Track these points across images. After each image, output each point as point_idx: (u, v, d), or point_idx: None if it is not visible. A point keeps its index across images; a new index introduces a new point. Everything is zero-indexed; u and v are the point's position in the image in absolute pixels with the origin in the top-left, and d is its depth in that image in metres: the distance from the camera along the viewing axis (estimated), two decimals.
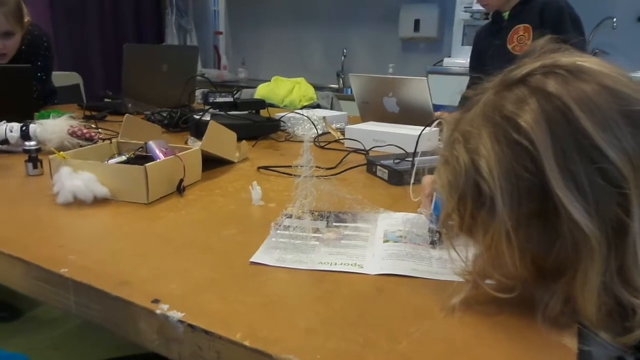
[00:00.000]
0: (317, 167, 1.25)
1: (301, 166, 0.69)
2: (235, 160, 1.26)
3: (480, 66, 2.00)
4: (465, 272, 0.58)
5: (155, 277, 0.63)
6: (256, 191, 0.95)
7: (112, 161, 0.99)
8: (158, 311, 0.54)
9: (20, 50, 1.89)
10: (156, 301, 0.56)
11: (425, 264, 0.67)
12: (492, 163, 0.49)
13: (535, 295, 0.54)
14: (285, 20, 4.26)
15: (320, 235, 0.78)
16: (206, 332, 0.51)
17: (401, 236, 0.76)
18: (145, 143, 1.03)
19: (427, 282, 0.63)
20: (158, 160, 0.97)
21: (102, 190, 0.91)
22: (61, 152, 0.95)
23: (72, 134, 1.29)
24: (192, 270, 0.65)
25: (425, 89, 1.54)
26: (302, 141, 1.62)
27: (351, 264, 0.67)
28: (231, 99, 1.59)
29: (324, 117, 1.63)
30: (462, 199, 0.52)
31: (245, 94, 2.73)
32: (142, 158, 1.04)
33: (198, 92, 1.92)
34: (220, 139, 1.18)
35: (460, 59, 3.24)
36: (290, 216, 0.87)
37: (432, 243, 0.72)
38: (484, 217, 0.51)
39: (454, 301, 0.56)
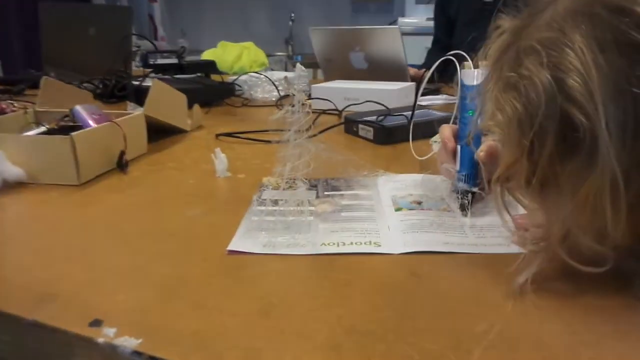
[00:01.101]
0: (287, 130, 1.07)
1: (291, 123, 0.51)
2: (188, 129, 1.05)
3: (445, 19, 1.86)
4: (533, 240, 0.42)
5: (94, 284, 0.44)
6: (220, 160, 0.75)
7: (27, 134, 0.77)
8: (101, 339, 0.36)
9: None
10: (97, 323, 0.37)
11: (459, 234, 0.52)
12: (592, 80, 0.33)
13: (625, 267, 0.40)
14: None
15: (313, 208, 0.60)
16: None
17: (415, 202, 0.60)
18: (71, 109, 0.81)
19: (470, 257, 0.48)
20: (89, 128, 0.75)
21: (14, 172, 0.69)
22: None
23: None
24: (148, 269, 0.46)
25: (397, 40, 1.38)
26: (262, 105, 1.45)
27: (365, 242, 0.50)
28: (176, 61, 1.35)
29: (285, 77, 1.43)
30: (540, 138, 0.36)
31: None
32: (68, 129, 0.81)
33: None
34: (167, 102, 0.97)
35: (415, 18, 3.10)
36: (273, 187, 0.69)
37: (463, 208, 0.56)
38: (577, 163, 0.35)
39: (522, 279, 0.41)
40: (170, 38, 4.12)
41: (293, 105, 0.51)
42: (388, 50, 1.42)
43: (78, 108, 0.80)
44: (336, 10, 3.63)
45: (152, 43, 1.51)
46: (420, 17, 3.04)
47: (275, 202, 0.58)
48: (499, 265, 0.46)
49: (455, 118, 0.61)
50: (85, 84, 1.46)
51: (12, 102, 1.09)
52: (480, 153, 0.53)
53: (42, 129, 0.79)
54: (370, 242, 0.50)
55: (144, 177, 0.76)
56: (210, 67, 1.46)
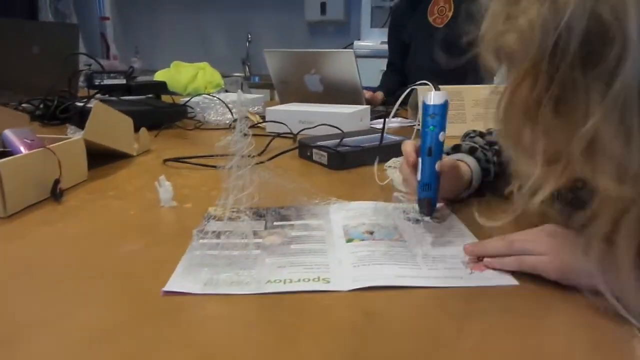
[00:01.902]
0: (243, 156, 1.04)
1: (234, 151, 0.48)
2: (134, 153, 1.00)
3: (399, 43, 1.89)
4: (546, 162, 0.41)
5: (8, 337, 0.39)
6: (165, 188, 0.71)
7: None
8: None
9: None
10: None
11: (412, 265, 0.50)
12: None
13: None
14: (182, 3, 3.89)
15: (260, 240, 0.57)
16: None
17: (368, 232, 0.59)
18: (1, 134, 0.74)
19: (422, 291, 0.46)
20: (18, 155, 0.69)
21: None
22: None
23: None
24: (74, 317, 0.42)
25: (352, 63, 1.38)
26: (215, 128, 1.41)
27: (313, 279, 0.47)
28: (123, 82, 1.30)
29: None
30: (565, 38, 0.35)
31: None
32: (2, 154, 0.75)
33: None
34: (110, 126, 0.92)
35: (370, 41, 3.15)
36: (217, 218, 0.66)
37: (423, 213, 0.58)
38: (603, 67, 0.35)
39: (538, 199, 0.41)
40: (123, 57, 4.01)
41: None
42: (343, 73, 1.42)
43: (7, 133, 0.74)
44: (293, 31, 3.65)
45: (98, 62, 1.45)
46: (375, 41, 3.10)
47: (219, 235, 0.55)
48: (451, 300, 0.44)
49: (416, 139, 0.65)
50: (24, 105, 1.38)
51: None
52: (443, 162, 0.58)
53: None
54: (319, 278, 0.47)
55: (80, 207, 0.71)
56: (160, 88, 1.41)
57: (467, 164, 0.70)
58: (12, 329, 0.40)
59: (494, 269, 0.49)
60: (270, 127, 1.27)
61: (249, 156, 0.48)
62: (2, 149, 0.74)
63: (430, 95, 0.58)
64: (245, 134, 0.47)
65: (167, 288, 0.46)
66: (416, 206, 0.65)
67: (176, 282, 0.47)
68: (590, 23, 0.35)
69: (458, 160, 0.70)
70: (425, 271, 0.49)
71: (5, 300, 0.45)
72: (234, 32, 3.78)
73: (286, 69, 1.54)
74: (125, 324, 0.41)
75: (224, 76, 2.66)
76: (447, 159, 0.63)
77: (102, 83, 1.26)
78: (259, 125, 1.33)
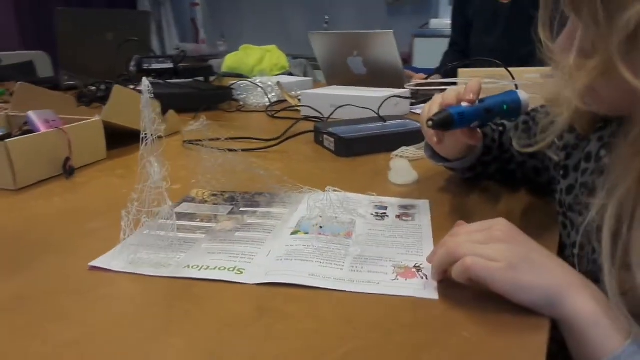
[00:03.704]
0: (255, 139, 1.06)
1: (144, 133, 0.49)
2: (162, 135, 1.05)
3: (463, 21, 1.77)
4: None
5: None
6: (154, 169, 0.74)
7: None
8: None
9: None
10: None
11: (335, 266, 0.47)
12: None
13: None
14: None
15: (211, 225, 0.58)
16: None
17: (317, 225, 0.56)
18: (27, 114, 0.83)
19: (332, 295, 0.43)
20: (29, 135, 0.77)
21: None
22: None
23: None
24: (4, 282, 0.46)
25: (392, 44, 1.32)
26: (254, 111, 1.44)
27: (229, 268, 0.47)
28: (171, 65, 1.37)
29: (278, 83, 1.41)
30: None
31: (214, 65, 2.50)
32: (27, 133, 0.84)
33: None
34: (133, 107, 0.97)
35: (448, 19, 2.97)
36: (193, 200, 0.68)
37: (431, 120, 0.56)
38: None
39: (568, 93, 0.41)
40: (211, 40, 4.23)
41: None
42: (384, 55, 1.37)
43: (30, 113, 0.82)
44: (371, 12, 3.57)
45: (151, 49, 1.54)
46: None
47: (181, 216, 0.56)
48: (350, 305, 0.42)
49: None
50: (92, 87, 1.52)
51: (2, 104, 1.15)
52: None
53: (1, 133, 0.82)
54: (234, 268, 0.47)
55: (84, 184, 0.77)
56: (208, 71, 1.47)
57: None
58: None
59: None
60: (304, 111, 1.26)
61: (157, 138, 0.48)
62: (27, 128, 0.83)
63: (524, 93, 0.59)
64: (150, 116, 0.47)
65: (92, 263, 0.48)
66: (383, 199, 0.61)
67: (105, 259, 0.49)
68: None
69: None
70: (344, 273, 0.46)
71: None
72: (313, 14, 3.80)
73: (330, 51, 1.52)
74: (38, 296, 0.44)
75: (301, 57, 2.70)
76: None
77: (150, 67, 1.34)
78: (296, 108, 1.33)
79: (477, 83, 0.59)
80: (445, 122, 0.55)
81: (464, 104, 0.57)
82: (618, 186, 0.39)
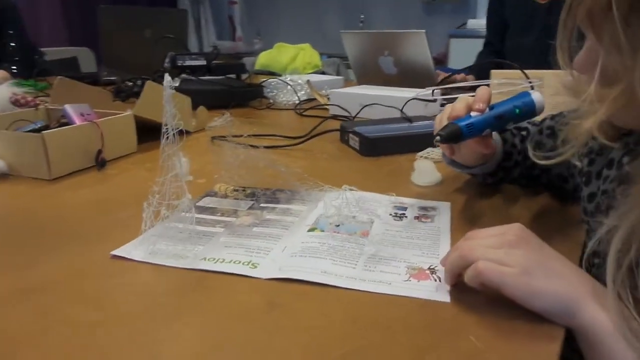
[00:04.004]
0: (282, 136, 1.07)
1: (165, 127, 0.50)
2: (191, 130, 1.08)
3: (499, 21, 1.72)
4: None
5: None
6: (182, 163, 0.76)
7: (21, 129, 0.84)
8: None
9: None
10: None
11: (348, 264, 0.47)
12: None
13: None
14: None
15: (231, 219, 0.59)
16: None
17: (335, 223, 0.57)
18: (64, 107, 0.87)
19: (342, 293, 0.43)
20: (63, 128, 0.80)
21: None
22: None
23: (15, 102, 1.14)
24: (26, 268, 0.48)
25: (423, 44, 1.31)
26: (283, 109, 1.45)
27: (244, 262, 0.48)
28: (204, 63, 1.40)
29: (307, 81, 1.42)
30: None
31: (246, 63, 2.53)
32: (64, 126, 0.87)
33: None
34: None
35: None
36: (215, 194, 0.69)
37: (439, 135, 0.56)
38: None
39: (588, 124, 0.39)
40: (247, 38, 4.28)
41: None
42: (415, 55, 1.35)
43: (66, 107, 0.85)
44: (407, 11, 3.53)
45: (185, 47, 1.58)
46: None
47: (202, 210, 0.57)
48: (358, 305, 0.42)
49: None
50: (129, 82, 1.57)
51: (44, 98, 1.20)
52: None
53: (36, 125, 0.86)
54: (249, 262, 0.48)
55: (114, 176, 0.80)
56: (240, 68, 1.49)
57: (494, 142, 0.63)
58: None
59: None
60: (333, 110, 1.27)
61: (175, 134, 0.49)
62: (64, 121, 0.87)
63: (537, 94, 0.59)
64: (171, 112, 0.48)
65: (115, 252, 0.50)
66: (404, 199, 0.61)
67: (126, 248, 0.51)
68: None
69: None
70: (357, 271, 0.46)
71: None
72: (348, 12, 3.79)
73: (362, 50, 1.51)
74: (65, 280, 0.46)
75: (335, 56, 2.70)
76: None
77: (184, 64, 1.37)
78: (325, 106, 1.34)
79: (486, 91, 0.58)
80: (453, 135, 0.55)
81: (474, 113, 0.56)
82: (633, 210, 0.37)
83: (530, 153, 0.53)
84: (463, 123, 0.55)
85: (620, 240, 0.37)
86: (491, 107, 0.57)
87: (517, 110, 0.58)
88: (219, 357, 0.36)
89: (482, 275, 0.39)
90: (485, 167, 0.64)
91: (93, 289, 0.44)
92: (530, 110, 0.58)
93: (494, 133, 0.64)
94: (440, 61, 2.89)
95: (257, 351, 0.36)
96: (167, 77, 0.47)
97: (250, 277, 0.46)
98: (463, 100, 0.59)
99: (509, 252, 0.40)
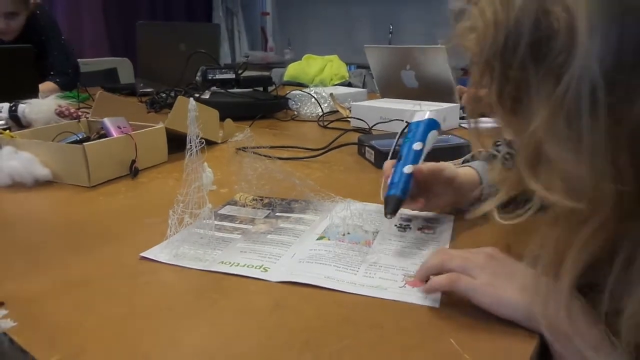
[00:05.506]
0: (303, 148, 1.12)
1: (189, 145, 0.56)
2: (219, 141, 1.15)
3: None
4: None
5: (13, 275, 0.53)
6: (207, 174, 0.83)
7: (64, 140, 0.92)
8: None
9: (25, 31, 1.88)
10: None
11: (350, 270, 0.52)
12: None
13: None
14: None
15: (248, 227, 0.64)
16: (22, 350, 0.41)
17: (343, 233, 0.61)
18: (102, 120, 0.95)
19: (343, 297, 0.48)
20: (102, 140, 0.88)
21: (42, 172, 0.83)
22: (7, 132, 0.89)
23: (60, 113, 1.24)
24: (67, 266, 0.55)
25: (444, 59, 1.34)
26: (307, 120, 1.51)
27: (257, 266, 0.53)
28: (232, 76, 1.48)
29: (331, 94, 1.47)
30: (515, 34, 0.34)
31: (275, 74, 2.62)
32: (103, 137, 0.96)
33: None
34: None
35: None
36: (235, 203, 0.75)
37: (386, 212, 0.58)
38: (552, 61, 0.33)
39: (488, 207, 0.43)
40: (278, 48, 4.39)
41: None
42: (436, 69, 1.38)
43: (105, 120, 0.93)
44: (437, 21, 3.55)
45: (216, 61, 1.66)
46: None
47: (223, 217, 0.64)
48: (356, 308, 0.46)
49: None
50: (162, 94, 1.67)
51: (86, 110, 1.30)
52: (420, 167, 0.62)
53: (77, 137, 0.94)
54: (261, 266, 0.53)
55: (146, 184, 0.87)
56: (266, 81, 1.56)
57: (477, 173, 0.66)
58: (22, 269, 0.55)
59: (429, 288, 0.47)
60: (354, 122, 1.31)
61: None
62: (102, 132, 0.95)
63: (420, 115, 0.68)
64: (195, 132, 0.54)
65: (143, 254, 0.56)
66: (408, 212, 0.65)
67: (153, 251, 0.57)
68: (539, 16, 0.33)
69: (469, 167, 0.67)
70: (357, 277, 0.51)
71: (32, 249, 0.61)
72: (378, 23, 3.84)
73: (385, 64, 1.56)
74: (97, 279, 0.52)
75: (364, 67, 2.74)
76: (428, 164, 0.62)
77: (214, 77, 1.45)
78: (347, 119, 1.39)
79: (388, 163, 0.65)
80: (397, 205, 0.58)
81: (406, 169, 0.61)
82: None
83: (496, 217, 0.44)
84: (396, 190, 0.59)
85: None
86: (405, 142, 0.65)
87: (407, 139, 0.65)
88: (230, 347, 0.41)
89: (455, 285, 0.44)
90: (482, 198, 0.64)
91: (124, 286, 0.51)
92: (413, 127, 0.66)
93: (481, 166, 0.68)
94: (468, 73, 2.89)
95: (262, 344, 0.41)
96: (192, 102, 0.53)
97: (261, 279, 0.51)
98: (388, 163, 0.66)
99: (481, 265, 0.45)
